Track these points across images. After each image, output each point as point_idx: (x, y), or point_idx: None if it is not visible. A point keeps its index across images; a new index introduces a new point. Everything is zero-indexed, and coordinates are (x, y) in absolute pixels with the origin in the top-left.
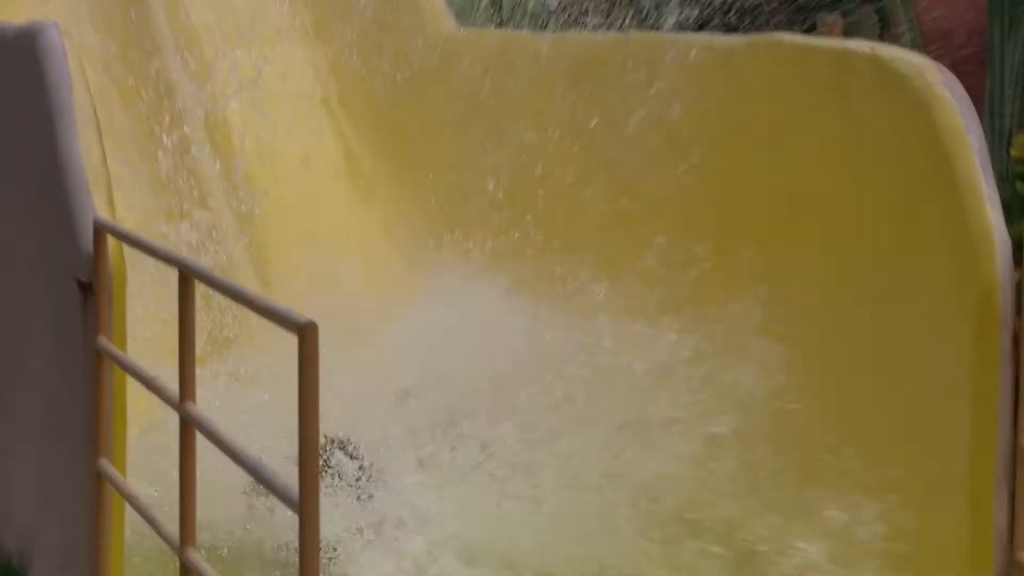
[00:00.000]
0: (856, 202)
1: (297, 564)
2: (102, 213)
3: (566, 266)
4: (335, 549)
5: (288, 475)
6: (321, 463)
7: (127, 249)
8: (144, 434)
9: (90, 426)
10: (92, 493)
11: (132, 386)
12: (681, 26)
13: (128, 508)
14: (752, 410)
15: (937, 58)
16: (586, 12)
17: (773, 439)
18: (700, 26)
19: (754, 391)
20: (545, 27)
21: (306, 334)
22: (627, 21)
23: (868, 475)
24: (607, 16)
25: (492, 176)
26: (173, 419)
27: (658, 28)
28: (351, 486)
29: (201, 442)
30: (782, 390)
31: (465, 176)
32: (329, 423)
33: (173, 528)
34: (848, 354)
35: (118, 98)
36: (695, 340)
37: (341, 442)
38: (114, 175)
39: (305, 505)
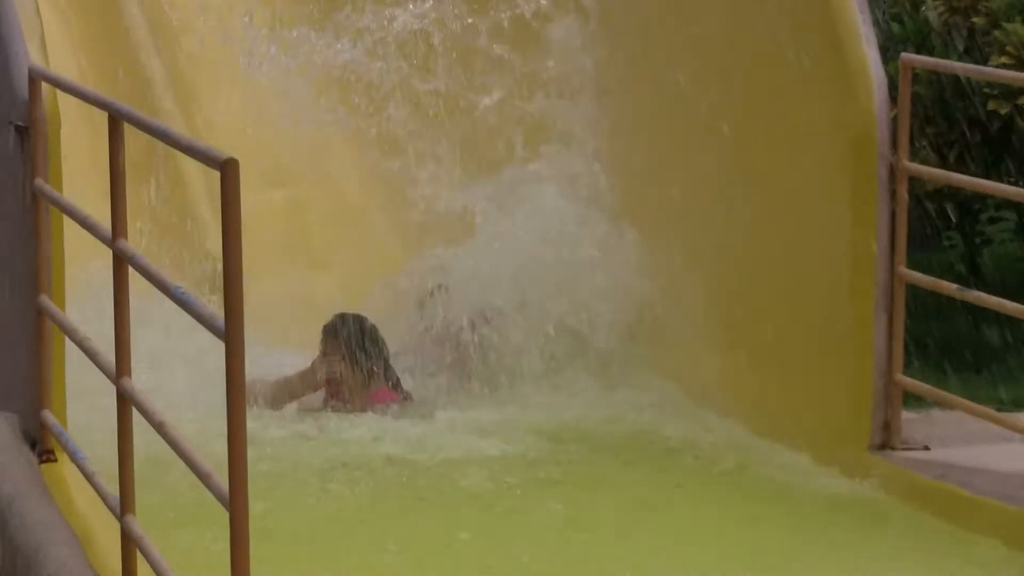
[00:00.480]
0: (742, 43)
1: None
2: (36, 61)
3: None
4: None
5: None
6: None
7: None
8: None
9: (30, 263)
10: (33, 327)
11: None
12: None
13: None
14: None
15: None
16: None
17: None
18: None
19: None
20: None
21: (227, 170)
22: None
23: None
24: None
25: None
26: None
27: None
28: None
29: None
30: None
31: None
32: None
33: (110, 359)
34: (737, 191)
35: None
36: None
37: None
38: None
39: (230, 333)
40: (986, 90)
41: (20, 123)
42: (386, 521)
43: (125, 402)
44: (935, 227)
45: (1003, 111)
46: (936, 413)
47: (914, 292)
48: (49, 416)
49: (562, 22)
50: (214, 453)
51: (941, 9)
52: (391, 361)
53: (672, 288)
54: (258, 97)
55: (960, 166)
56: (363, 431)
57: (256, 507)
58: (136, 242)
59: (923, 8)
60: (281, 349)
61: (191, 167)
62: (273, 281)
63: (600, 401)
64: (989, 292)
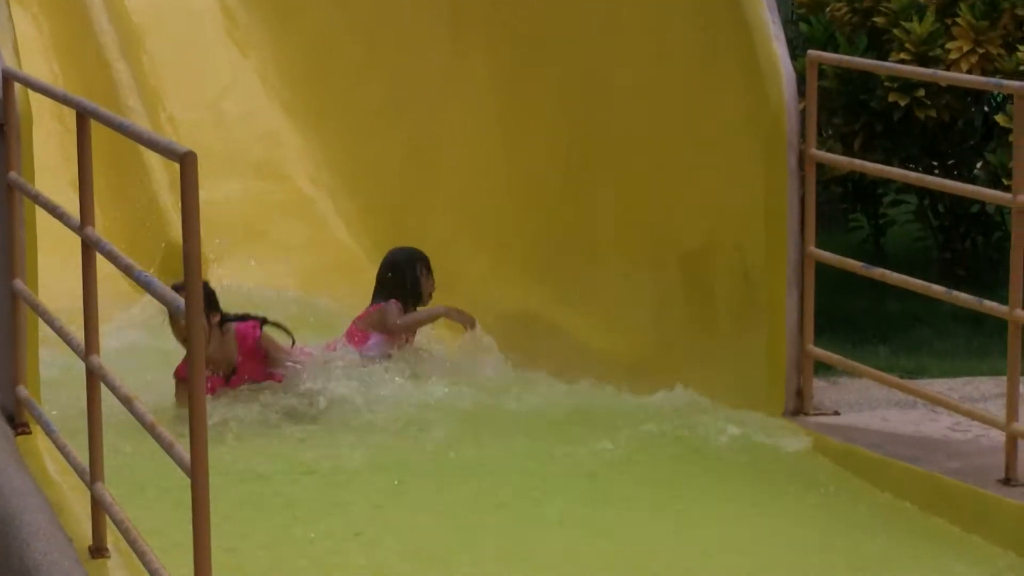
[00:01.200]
0: (661, 42)
1: None
2: (9, 63)
3: None
4: None
5: None
6: None
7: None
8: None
9: (4, 251)
10: (8, 310)
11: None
12: None
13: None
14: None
15: None
16: None
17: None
18: None
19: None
20: None
21: (187, 162)
22: None
23: (679, 283)
24: None
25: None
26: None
27: None
28: None
29: None
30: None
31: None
32: None
33: (80, 339)
34: (660, 181)
35: None
36: None
37: None
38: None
39: (191, 312)
40: (887, 84)
41: None
42: None
43: (94, 378)
44: (841, 210)
45: (903, 103)
46: (845, 381)
47: (823, 270)
48: (23, 391)
49: None
50: None
51: (845, 10)
52: None
53: (609, 266)
54: (215, 95)
55: (864, 154)
56: None
57: None
58: (103, 229)
59: (828, 9)
60: None
61: (154, 160)
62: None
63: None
64: (892, 269)
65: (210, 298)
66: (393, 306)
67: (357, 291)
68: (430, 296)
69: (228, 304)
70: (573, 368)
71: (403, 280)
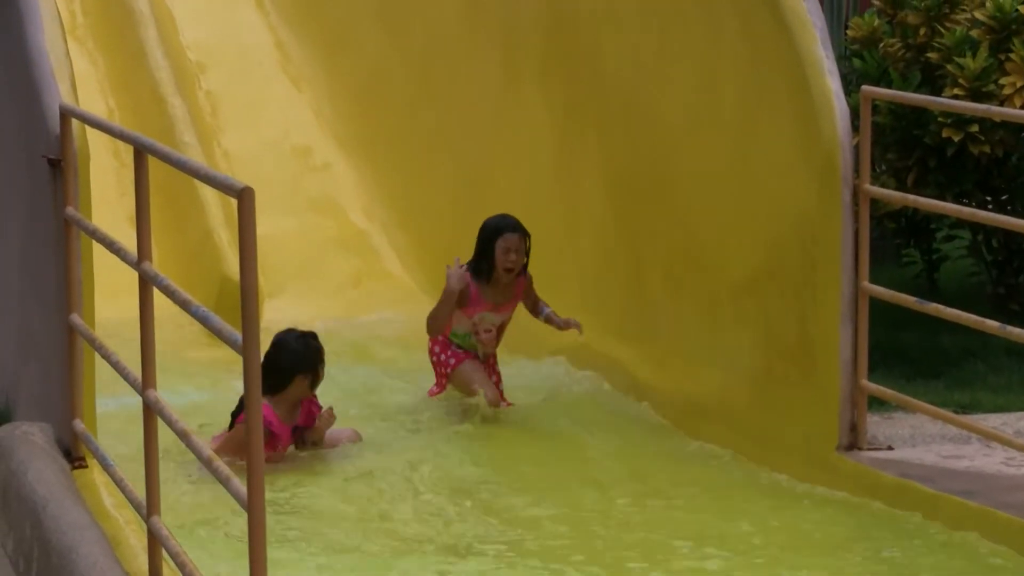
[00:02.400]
0: (713, 76)
1: None
2: (67, 99)
3: None
4: None
5: None
6: None
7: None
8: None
9: (61, 286)
10: (64, 344)
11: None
12: None
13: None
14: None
15: None
16: None
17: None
18: None
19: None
20: None
21: (244, 197)
22: None
23: (732, 317)
24: None
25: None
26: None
27: None
28: None
29: None
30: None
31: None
32: None
33: (137, 374)
34: (713, 215)
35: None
36: None
37: None
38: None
39: (248, 350)
40: (940, 119)
41: (52, 156)
42: None
43: (151, 412)
44: (895, 246)
45: (956, 138)
46: (898, 416)
47: (876, 305)
48: (80, 425)
49: None
50: None
51: (898, 46)
52: None
53: (661, 300)
54: (270, 129)
55: (917, 189)
56: None
57: None
58: (157, 265)
59: (881, 44)
60: None
61: (209, 196)
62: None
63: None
64: (945, 305)
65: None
66: (453, 270)
67: (411, 323)
68: (508, 272)
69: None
70: (623, 403)
71: (477, 249)
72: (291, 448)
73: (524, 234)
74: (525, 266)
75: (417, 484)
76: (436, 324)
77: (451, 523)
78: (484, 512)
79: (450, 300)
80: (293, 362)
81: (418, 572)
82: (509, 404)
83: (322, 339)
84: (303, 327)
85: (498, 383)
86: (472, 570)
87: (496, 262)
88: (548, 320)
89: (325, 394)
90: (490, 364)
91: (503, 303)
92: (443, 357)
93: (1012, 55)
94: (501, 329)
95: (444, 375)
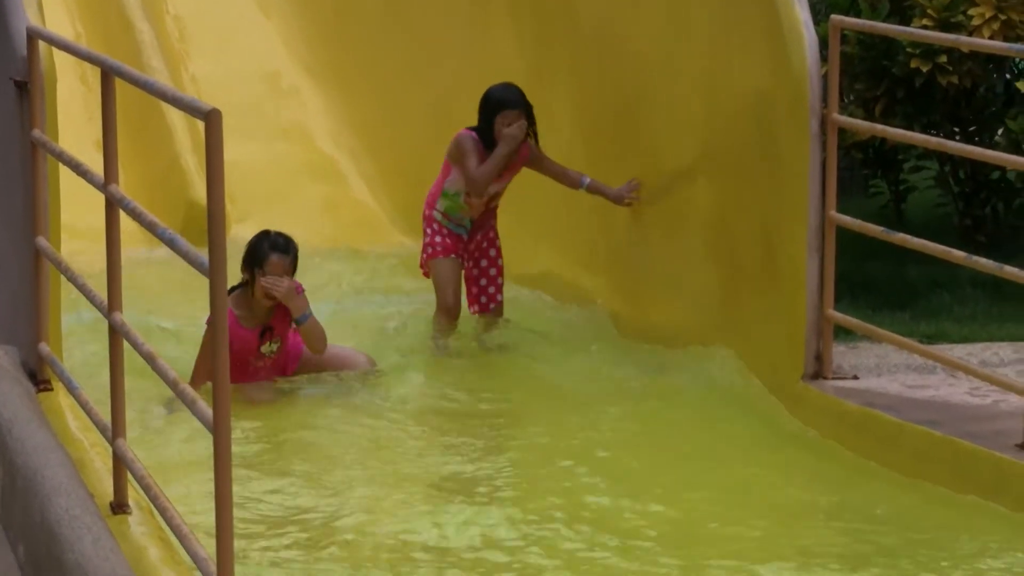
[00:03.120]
0: (681, 7)
1: None
2: (34, 21)
3: None
4: None
5: None
6: None
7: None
8: None
9: (28, 209)
10: (30, 266)
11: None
12: None
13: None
14: None
15: None
16: None
17: None
18: None
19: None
20: None
21: (211, 120)
22: None
23: (699, 246)
24: None
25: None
26: None
27: None
28: None
29: None
30: None
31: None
32: None
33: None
34: (680, 145)
35: None
36: None
37: None
38: None
39: (214, 271)
40: (909, 50)
41: (19, 79)
42: None
43: (116, 335)
44: (862, 176)
45: (924, 69)
46: (864, 345)
47: (843, 235)
48: (46, 348)
49: None
50: None
51: None
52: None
53: (629, 231)
54: (238, 55)
55: (885, 120)
56: None
57: None
58: (125, 189)
59: None
60: None
61: (177, 120)
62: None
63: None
64: (912, 235)
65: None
66: (464, 137)
67: (379, 251)
68: (510, 142)
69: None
70: (598, 334)
71: (480, 119)
72: (298, 383)
73: (526, 107)
74: (531, 134)
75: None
76: (479, 184)
77: (440, 460)
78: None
79: (500, 158)
80: (244, 257)
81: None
82: (489, 310)
83: None
84: None
85: (486, 274)
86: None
87: (495, 131)
88: (594, 190)
89: None
90: (483, 240)
91: (502, 171)
92: (429, 236)
93: None
94: (495, 196)
95: (424, 260)
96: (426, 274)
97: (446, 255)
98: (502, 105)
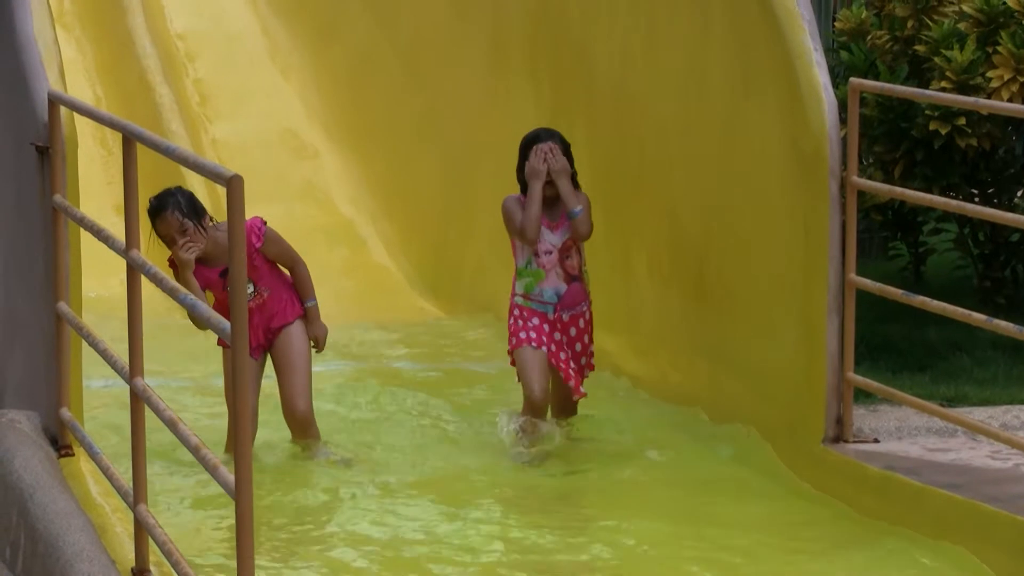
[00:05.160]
0: (701, 67)
1: None
2: (55, 86)
3: None
4: None
5: None
6: None
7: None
8: None
9: (49, 273)
10: (51, 331)
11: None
12: None
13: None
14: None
15: None
16: None
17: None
18: None
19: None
20: None
21: (233, 186)
22: None
23: (718, 308)
24: None
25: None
26: None
27: None
28: None
29: None
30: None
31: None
32: None
33: (124, 361)
34: (700, 206)
35: None
36: None
37: None
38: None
39: (236, 337)
40: (928, 112)
41: (40, 144)
42: None
43: (138, 400)
44: (882, 238)
45: (943, 131)
46: (884, 408)
47: (863, 297)
48: (67, 414)
49: None
50: None
51: (886, 38)
52: None
53: (647, 291)
54: (257, 117)
55: (905, 182)
56: None
57: None
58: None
59: (869, 37)
60: None
61: (196, 184)
62: None
63: None
64: (932, 297)
65: (192, 204)
66: (506, 200)
67: (397, 313)
68: (533, 175)
69: None
70: (609, 391)
71: (518, 167)
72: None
73: (560, 141)
74: (574, 177)
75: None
76: (526, 231)
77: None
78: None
79: (535, 193)
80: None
81: None
82: (582, 394)
83: None
84: None
85: (578, 357)
86: None
87: (525, 171)
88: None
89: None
90: (569, 321)
91: (556, 220)
92: (511, 324)
93: (999, 48)
94: (566, 251)
95: (509, 348)
96: (513, 363)
97: (529, 343)
98: (530, 144)
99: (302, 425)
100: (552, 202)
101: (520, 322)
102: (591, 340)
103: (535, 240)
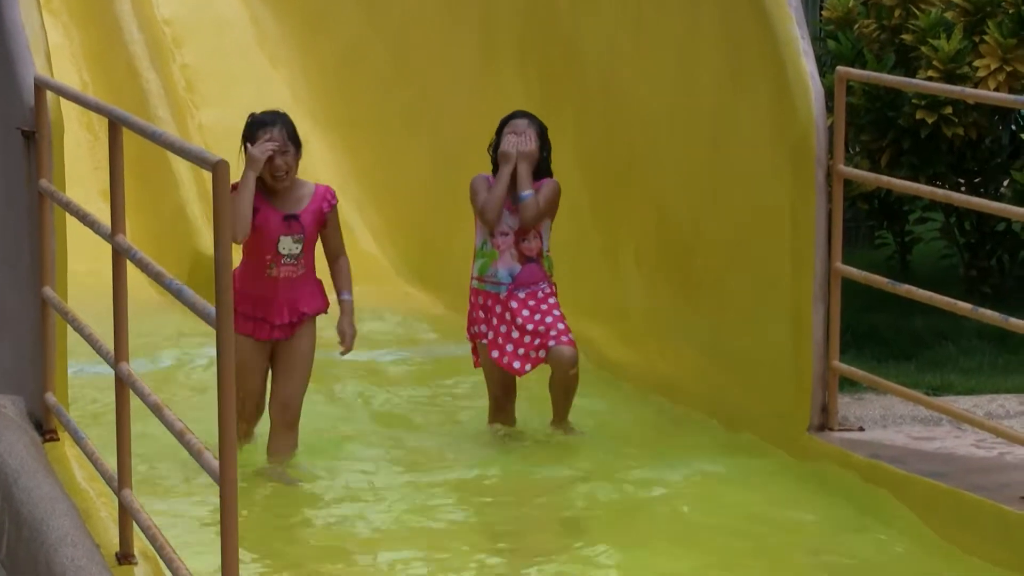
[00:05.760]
0: (689, 57)
1: None
2: (41, 72)
3: None
4: None
5: None
6: None
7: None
8: None
9: (35, 258)
10: (37, 316)
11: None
12: None
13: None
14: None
15: None
16: None
17: None
18: None
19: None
20: None
21: (219, 171)
22: None
23: (705, 297)
24: None
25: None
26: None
27: None
28: None
29: None
30: None
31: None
32: None
33: (109, 346)
34: (687, 195)
35: None
36: None
37: None
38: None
39: (221, 321)
40: (914, 101)
41: (27, 129)
42: None
43: (123, 385)
44: (868, 227)
45: (930, 120)
46: (870, 397)
47: (849, 286)
48: (52, 398)
49: None
50: None
51: (873, 27)
52: None
53: (635, 280)
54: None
55: (891, 171)
56: None
57: None
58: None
59: (856, 26)
60: None
61: (183, 170)
62: None
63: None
64: (918, 286)
65: (296, 134)
66: (475, 178)
67: (384, 302)
68: (504, 159)
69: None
70: (599, 382)
71: (492, 147)
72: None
73: (535, 123)
74: (545, 161)
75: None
76: (487, 211)
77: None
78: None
79: (503, 177)
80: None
81: None
82: (522, 372)
83: None
84: None
85: (530, 335)
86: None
87: (499, 150)
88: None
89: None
90: (524, 298)
91: (517, 203)
92: (470, 312)
93: (986, 37)
94: (523, 233)
95: (473, 347)
96: (474, 349)
97: (482, 338)
98: (508, 119)
99: (286, 427)
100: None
101: (473, 312)
102: (556, 320)
103: (493, 222)
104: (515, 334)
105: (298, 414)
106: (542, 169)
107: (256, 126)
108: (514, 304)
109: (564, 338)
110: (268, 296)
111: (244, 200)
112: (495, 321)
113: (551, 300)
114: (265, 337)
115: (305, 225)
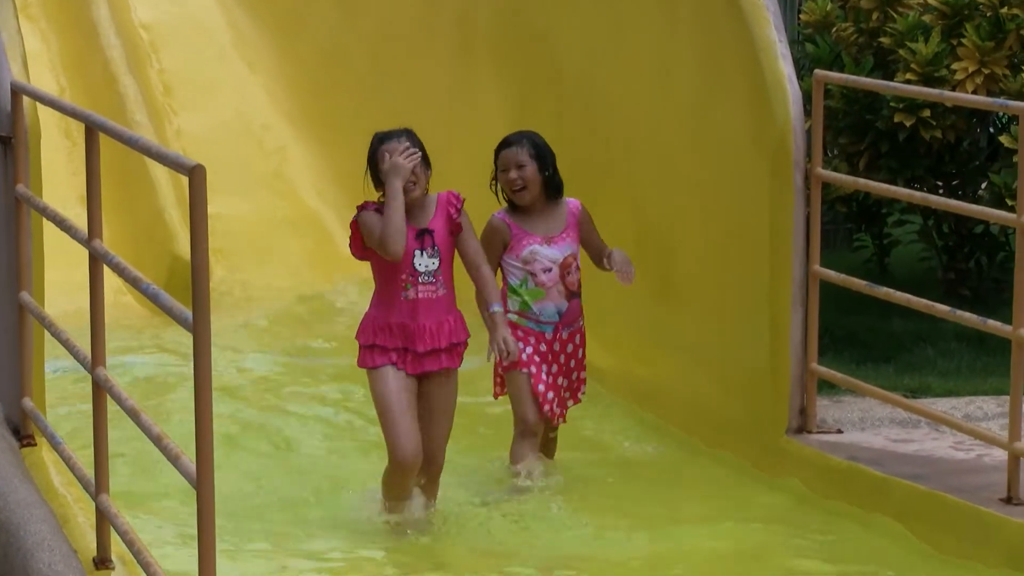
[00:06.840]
0: (667, 60)
1: None
2: (18, 77)
3: None
4: None
5: None
6: None
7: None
8: None
9: (12, 263)
10: (14, 321)
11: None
12: None
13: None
14: None
15: None
16: None
17: None
18: None
19: None
20: None
21: (195, 176)
22: None
23: (684, 300)
24: None
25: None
26: None
27: None
28: None
29: None
30: None
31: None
32: None
33: (86, 351)
34: (665, 198)
35: None
36: None
37: None
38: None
39: (198, 326)
40: (892, 104)
41: (3, 134)
42: None
43: (100, 390)
44: (846, 230)
45: (908, 123)
46: (848, 399)
47: (827, 288)
48: (29, 403)
49: None
50: None
51: (851, 30)
52: None
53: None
54: (223, 109)
55: (869, 173)
56: None
57: None
58: (108, 244)
59: (834, 29)
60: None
61: (161, 175)
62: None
63: None
64: (896, 289)
65: (420, 144)
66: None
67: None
68: (517, 194)
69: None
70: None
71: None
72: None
73: (528, 146)
74: (551, 180)
75: None
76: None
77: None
78: None
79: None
80: (370, 172)
81: None
82: (562, 420)
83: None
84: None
85: (572, 373)
86: None
87: (503, 186)
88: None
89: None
90: (568, 338)
91: (555, 233)
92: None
93: (964, 40)
94: (566, 268)
95: (498, 377)
96: (497, 394)
97: (515, 363)
98: (498, 150)
99: (433, 476)
100: (549, 214)
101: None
102: (584, 354)
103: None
104: (561, 381)
105: (442, 463)
106: (551, 188)
107: (384, 139)
108: (556, 347)
109: (579, 394)
110: (407, 322)
111: (397, 212)
112: (538, 359)
113: (584, 342)
114: (416, 371)
115: (439, 237)
